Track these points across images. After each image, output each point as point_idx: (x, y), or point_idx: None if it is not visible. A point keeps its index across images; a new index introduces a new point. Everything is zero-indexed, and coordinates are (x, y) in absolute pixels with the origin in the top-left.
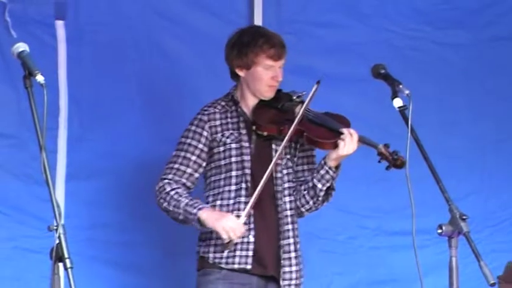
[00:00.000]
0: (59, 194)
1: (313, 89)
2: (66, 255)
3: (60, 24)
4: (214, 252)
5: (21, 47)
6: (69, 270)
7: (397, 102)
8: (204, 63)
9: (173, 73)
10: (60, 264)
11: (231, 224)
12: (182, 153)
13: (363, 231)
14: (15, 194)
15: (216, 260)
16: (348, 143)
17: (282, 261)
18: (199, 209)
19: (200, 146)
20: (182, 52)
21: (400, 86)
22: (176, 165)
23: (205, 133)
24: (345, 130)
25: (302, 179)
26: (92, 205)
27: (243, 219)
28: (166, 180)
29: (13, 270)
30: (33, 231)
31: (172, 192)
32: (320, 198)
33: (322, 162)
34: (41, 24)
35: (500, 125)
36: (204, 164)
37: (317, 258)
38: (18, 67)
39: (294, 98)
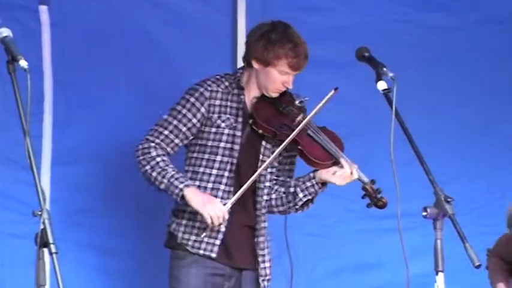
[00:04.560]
0: (45, 179)
1: (323, 101)
2: (51, 241)
3: (44, 9)
4: (184, 232)
5: (4, 32)
6: (54, 255)
7: (381, 85)
8: (190, 48)
9: (159, 58)
10: (45, 250)
11: (217, 211)
12: (175, 122)
13: (349, 215)
14: (0, 178)
15: (183, 241)
16: (347, 175)
17: (260, 258)
18: (186, 185)
19: (194, 120)
20: (168, 36)
21: (384, 69)
22: (166, 132)
23: (203, 109)
24: (346, 165)
25: (281, 178)
26: (77, 190)
27: (228, 206)
28: (152, 144)
29: None
30: (18, 216)
31: (159, 159)
32: (296, 207)
33: (312, 175)
34: (25, 9)
35: (485, 109)
36: (191, 138)
37: (303, 242)
38: (2, 52)
39: (296, 102)
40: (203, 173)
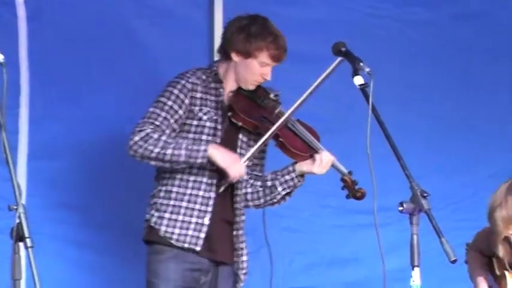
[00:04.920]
0: (21, 174)
1: (304, 96)
2: (26, 235)
3: (20, 3)
4: (167, 226)
5: None
6: (30, 249)
7: (358, 80)
8: (167, 41)
9: (136, 51)
10: (21, 244)
11: (238, 168)
12: (163, 114)
13: (325, 210)
14: None
15: (167, 235)
16: (324, 165)
17: (240, 251)
18: (206, 144)
19: (180, 112)
20: (145, 30)
21: (361, 64)
22: (157, 123)
23: (186, 101)
24: (324, 153)
25: (255, 172)
26: (53, 185)
27: (245, 162)
28: (149, 130)
29: None
30: None
31: (164, 137)
32: (274, 200)
33: (291, 168)
34: (1, 2)
35: (461, 104)
36: (177, 130)
37: (279, 236)
38: None
39: (271, 95)
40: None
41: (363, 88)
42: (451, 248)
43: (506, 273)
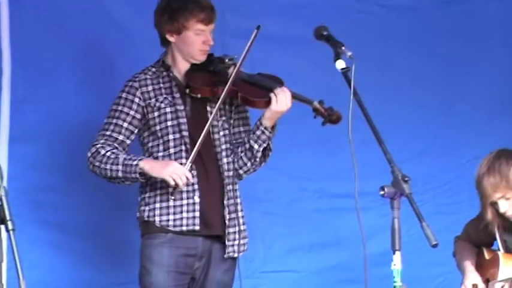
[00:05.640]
0: (2, 156)
1: (248, 44)
2: (8, 217)
3: None
4: (160, 215)
5: None
6: (11, 232)
7: (340, 64)
8: (147, 28)
9: (117, 36)
10: (2, 227)
11: (176, 170)
12: (114, 120)
13: (305, 194)
14: None
15: (163, 223)
16: (281, 100)
17: (228, 222)
18: (140, 159)
19: (132, 112)
20: (125, 15)
21: (343, 48)
22: (108, 132)
23: (136, 99)
24: (277, 87)
25: (239, 140)
26: (35, 168)
27: (187, 165)
28: (99, 145)
29: None
30: None
31: (109, 153)
32: (257, 159)
33: (258, 122)
34: None
35: (443, 88)
36: (135, 131)
37: (260, 220)
38: None
39: (226, 60)
40: (163, 156)
41: (345, 72)
42: (432, 232)
43: (499, 254)
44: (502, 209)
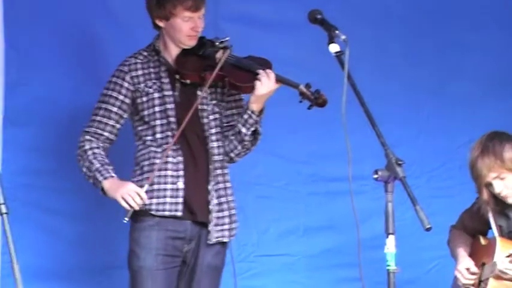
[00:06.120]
0: None
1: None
2: (1, 201)
3: None
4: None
5: None
6: (5, 215)
7: (334, 48)
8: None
9: (110, 19)
10: None
11: (129, 192)
12: (103, 105)
13: (299, 178)
14: None
15: (147, 207)
16: (265, 82)
17: (213, 207)
18: (105, 178)
19: (121, 97)
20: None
21: (337, 32)
22: (98, 118)
23: (126, 84)
24: (260, 70)
25: (232, 123)
26: (29, 151)
27: (145, 187)
28: (87, 136)
29: None
30: None
31: (89, 152)
32: (247, 143)
33: (245, 106)
34: None
35: (436, 71)
36: (125, 116)
37: (254, 204)
38: None
39: (217, 43)
40: (151, 140)
41: (339, 56)
42: (425, 215)
43: (497, 238)
44: (497, 189)
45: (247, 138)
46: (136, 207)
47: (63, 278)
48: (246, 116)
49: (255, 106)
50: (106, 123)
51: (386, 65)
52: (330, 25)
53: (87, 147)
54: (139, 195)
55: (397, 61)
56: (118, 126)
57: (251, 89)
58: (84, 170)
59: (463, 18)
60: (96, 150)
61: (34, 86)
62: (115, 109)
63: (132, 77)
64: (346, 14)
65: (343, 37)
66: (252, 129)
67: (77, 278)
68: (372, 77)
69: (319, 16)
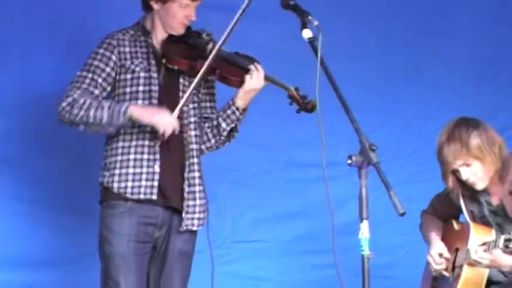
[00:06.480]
0: None
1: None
2: None
3: None
4: (119, 181)
5: None
6: None
7: (307, 34)
8: None
9: (87, 6)
10: None
11: (167, 118)
12: (90, 75)
13: (274, 164)
14: None
15: (121, 190)
16: (255, 77)
17: (187, 195)
18: (127, 106)
19: (108, 69)
20: None
21: (309, 17)
22: (84, 85)
23: (114, 57)
24: (252, 66)
25: (205, 115)
26: (5, 140)
27: (176, 113)
28: (75, 95)
29: None
30: None
31: (89, 100)
32: (222, 138)
33: (230, 102)
34: None
35: (409, 56)
36: (108, 89)
37: (229, 190)
38: None
39: (204, 35)
40: None
41: (312, 41)
42: (399, 201)
43: (471, 224)
44: (464, 176)
45: (225, 133)
46: (167, 135)
47: (38, 265)
48: (229, 112)
49: (240, 102)
50: (92, 92)
51: (360, 49)
52: (302, 11)
53: (82, 100)
54: (174, 124)
55: (370, 46)
56: (100, 98)
57: (240, 83)
58: (92, 113)
59: (436, 5)
60: (94, 98)
61: (3, 76)
62: (100, 80)
63: (119, 52)
64: (320, 0)
65: (315, 23)
66: (232, 125)
67: (52, 265)
68: (345, 62)
69: (291, 2)
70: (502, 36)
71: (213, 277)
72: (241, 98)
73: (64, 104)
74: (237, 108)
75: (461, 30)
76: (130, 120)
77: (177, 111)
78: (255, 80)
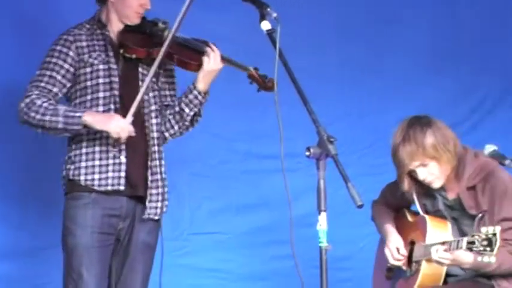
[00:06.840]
0: None
1: (184, 8)
2: None
3: None
4: (86, 174)
5: None
6: None
7: (265, 25)
8: None
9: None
10: None
11: (120, 124)
12: (48, 72)
13: (233, 155)
14: None
15: (88, 182)
16: (212, 58)
17: (149, 183)
18: (82, 111)
19: (66, 66)
20: None
21: (268, 9)
22: (42, 84)
23: (71, 53)
24: (207, 48)
25: (166, 103)
26: None
27: (129, 118)
28: (33, 96)
29: None
30: None
31: (46, 104)
32: (186, 123)
33: (192, 86)
34: None
35: (369, 46)
36: (68, 85)
37: (187, 182)
38: None
39: (160, 24)
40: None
41: (270, 33)
42: (357, 193)
43: (426, 217)
44: (421, 177)
45: (188, 118)
46: (123, 140)
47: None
48: (191, 96)
49: (201, 85)
50: (50, 90)
51: (319, 40)
52: (261, 3)
53: (39, 102)
54: (128, 128)
55: (329, 36)
56: (60, 95)
57: (198, 66)
58: (48, 118)
59: None
60: (50, 102)
61: None
62: (59, 77)
63: (77, 47)
64: None
65: (274, 15)
66: (195, 110)
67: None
68: (305, 54)
69: None
70: (461, 28)
71: (162, 269)
72: (201, 81)
73: (22, 105)
74: (199, 92)
75: (421, 20)
76: (85, 128)
77: (129, 115)
78: (212, 60)
